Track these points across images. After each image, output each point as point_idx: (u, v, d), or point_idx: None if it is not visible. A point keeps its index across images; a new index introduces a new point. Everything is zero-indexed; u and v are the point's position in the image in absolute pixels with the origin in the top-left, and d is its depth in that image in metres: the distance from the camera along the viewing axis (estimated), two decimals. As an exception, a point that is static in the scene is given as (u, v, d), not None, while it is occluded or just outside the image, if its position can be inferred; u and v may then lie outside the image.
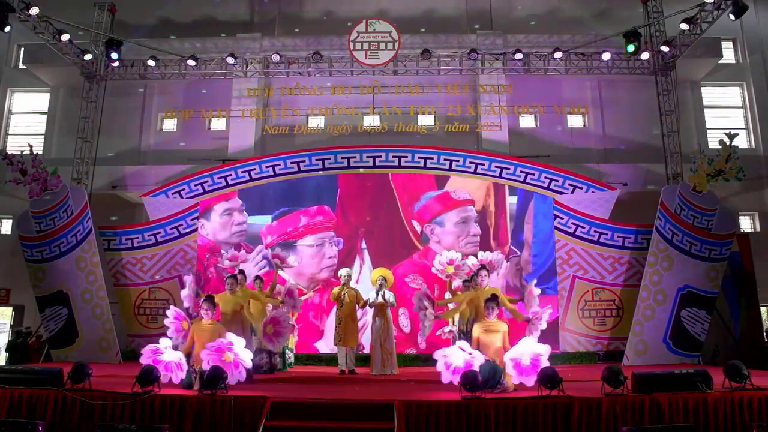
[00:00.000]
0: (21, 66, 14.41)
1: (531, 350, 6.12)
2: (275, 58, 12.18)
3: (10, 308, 12.60)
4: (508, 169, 11.31)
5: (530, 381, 5.90)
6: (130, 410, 5.57)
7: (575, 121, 13.44)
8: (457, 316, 8.33)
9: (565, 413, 5.42)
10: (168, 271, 11.14)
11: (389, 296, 9.07)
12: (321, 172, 11.48)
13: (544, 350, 6.12)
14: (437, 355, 6.38)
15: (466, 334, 7.86)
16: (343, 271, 9.40)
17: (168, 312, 7.55)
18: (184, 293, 8.94)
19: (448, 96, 12.53)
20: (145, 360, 6.33)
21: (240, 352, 6.26)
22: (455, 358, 6.25)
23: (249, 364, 6.35)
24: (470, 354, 6.22)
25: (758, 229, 13.12)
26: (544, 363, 5.99)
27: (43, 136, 13.81)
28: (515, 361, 6.10)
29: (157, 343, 6.54)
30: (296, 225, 11.11)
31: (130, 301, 11.09)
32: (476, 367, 6.06)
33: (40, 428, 5.30)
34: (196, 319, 7.05)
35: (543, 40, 13.03)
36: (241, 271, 8.91)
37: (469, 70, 12.42)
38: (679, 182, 10.80)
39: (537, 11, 14.30)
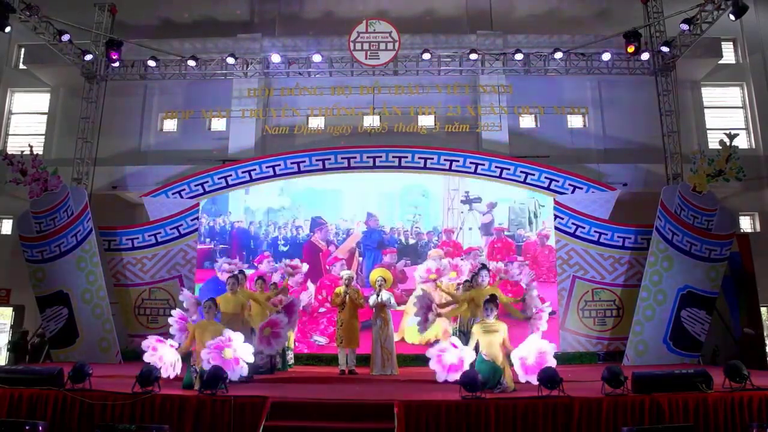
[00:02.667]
0: (21, 66, 14.38)
1: (537, 348, 6.18)
2: (275, 58, 12.18)
3: (11, 308, 12.59)
4: (509, 169, 11.31)
5: (535, 379, 5.94)
6: (130, 410, 5.58)
7: (575, 121, 13.41)
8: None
9: (565, 413, 5.42)
10: (168, 272, 11.15)
11: (388, 297, 9.08)
12: (321, 172, 11.49)
13: (550, 348, 6.18)
14: (430, 353, 6.46)
15: (465, 335, 7.86)
16: (344, 273, 9.43)
17: (173, 312, 7.69)
18: (184, 295, 8.85)
19: (448, 96, 12.52)
20: (147, 356, 6.50)
21: (239, 348, 6.38)
22: (449, 356, 6.32)
23: (250, 359, 6.48)
24: (461, 350, 6.32)
25: (758, 229, 13.09)
26: (550, 361, 6.03)
27: (43, 137, 13.79)
28: (522, 360, 6.14)
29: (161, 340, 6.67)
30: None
31: (130, 301, 11.09)
32: (468, 364, 6.13)
33: (40, 428, 5.31)
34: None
35: (543, 41, 12.99)
36: (242, 272, 8.93)
37: (469, 71, 12.41)
38: (679, 182, 10.80)
39: (537, 11, 14.28)
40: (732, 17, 10.19)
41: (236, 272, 8.64)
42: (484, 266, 8.30)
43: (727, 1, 10.18)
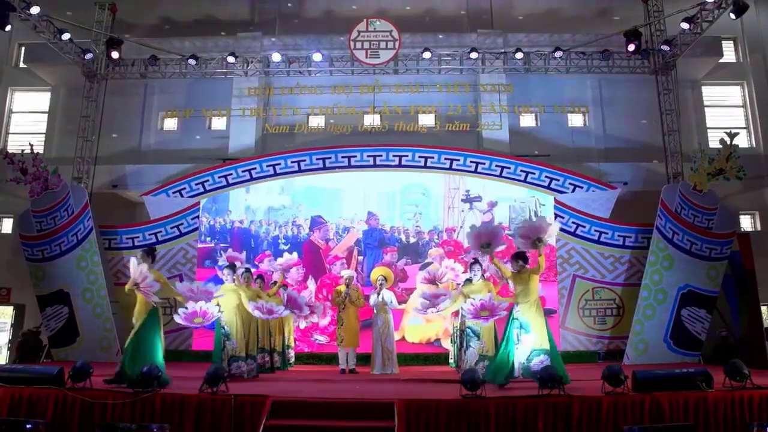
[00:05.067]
0: (22, 65, 14.37)
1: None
2: (276, 57, 12.18)
3: (11, 307, 12.58)
4: (509, 168, 11.31)
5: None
6: (131, 410, 5.57)
7: (576, 120, 13.40)
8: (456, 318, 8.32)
9: (565, 412, 5.41)
10: (168, 270, 11.12)
11: (389, 296, 9.08)
12: (322, 171, 11.49)
13: None
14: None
15: (465, 333, 7.86)
16: (345, 273, 9.46)
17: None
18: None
19: (449, 95, 12.52)
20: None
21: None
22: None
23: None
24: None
25: (759, 228, 13.08)
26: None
27: (43, 135, 13.77)
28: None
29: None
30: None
31: (130, 301, 11.06)
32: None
33: (40, 428, 5.31)
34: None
35: (543, 39, 12.99)
36: (248, 269, 8.94)
37: (469, 70, 12.40)
38: (680, 181, 10.80)
39: (537, 10, 14.27)
40: (732, 16, 10.18)
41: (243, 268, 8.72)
42: (476, 261, 8.22)
43: (727, 0, 10.16)
